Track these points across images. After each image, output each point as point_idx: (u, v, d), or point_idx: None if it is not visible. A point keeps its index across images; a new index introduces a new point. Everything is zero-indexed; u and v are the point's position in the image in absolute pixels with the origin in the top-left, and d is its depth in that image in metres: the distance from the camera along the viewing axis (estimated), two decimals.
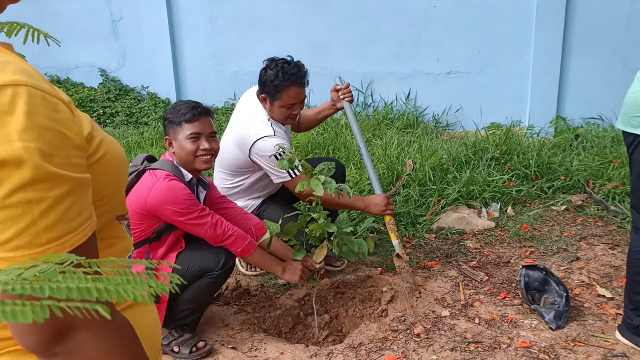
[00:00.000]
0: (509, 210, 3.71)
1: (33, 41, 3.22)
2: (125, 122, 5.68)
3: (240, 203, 2.98)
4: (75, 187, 0.66)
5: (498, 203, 3.77)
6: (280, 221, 2.58)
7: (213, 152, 2.45)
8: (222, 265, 2.39)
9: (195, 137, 2.40)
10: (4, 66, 0.63)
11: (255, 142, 2.74)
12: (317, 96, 5.67)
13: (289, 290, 2.97)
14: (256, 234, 2.67)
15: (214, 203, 2.65)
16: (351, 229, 2.53)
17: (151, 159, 2.54)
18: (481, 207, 3.73)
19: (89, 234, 0.69)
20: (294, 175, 2.81)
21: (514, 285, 2.87)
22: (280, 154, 2.73)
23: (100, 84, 6.39)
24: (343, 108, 3.07)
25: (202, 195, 2.54)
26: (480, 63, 5.40)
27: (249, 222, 2.69)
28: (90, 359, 0.69)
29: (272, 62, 2.77)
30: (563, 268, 3.02)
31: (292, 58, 2.82)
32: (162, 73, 6.13)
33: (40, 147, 0.61)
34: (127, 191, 2.35)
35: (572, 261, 3.08)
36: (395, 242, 2.82)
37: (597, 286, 2.81)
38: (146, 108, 5.92)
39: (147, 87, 6.28)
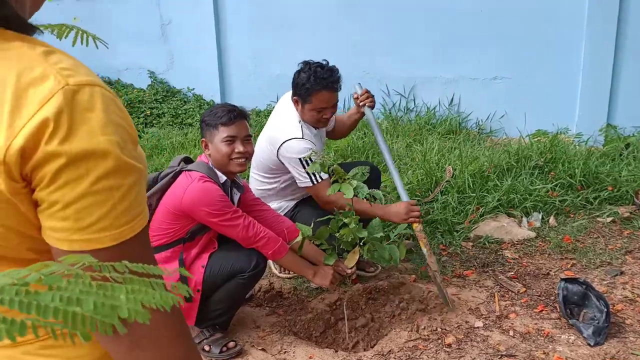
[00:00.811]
0: (552, 220, 3.60)
1: (82, 44, 3.33)
2: (171, 123, 5.81)
3: (274, 205, 3.00)
4: (140, 176, 0.74)
5: (540, 213, 3.67)
6: (312, 224, 2.59)
7: (247, 155, 2.48)
8: (254, 267, 2.41)
9: (231, 140, 2.44)
10: (77, 68, 0.69)
11: (283, 143, 2.78)
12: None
13: (321, 294, 2.97)
14: (288, 236, 2.68)
15: (248, 205, 2.68)
16: (382, 234, 2.51)
17: (188, 160, 2.59)
18: (522, 217, 3.63)
19: (148, 217, 0.77)
20: (316, 181, 2.81)
21: (552, 298, 2.79)
22: (307, 160, 2.75)
23: (149, 85, 6.56)
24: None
25: (236, 197, 2.58)
26: (527, 68, 5.26)
27: (282, 225, 2.71)
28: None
29: (306, 65, 2.79)
30: (606, 282, 2.91)
31: (327, 62, 2.83)
32: (208, 75, 6.25)
33: (118, 140, 0.68)
34: (163, 192, 2.41)
35: (616, 275, 2.97)
36: (424, 250, 2.76)
37: None
38: (191, 109, 6.04)
39: (193, 89, 6.41)
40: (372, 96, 3.06)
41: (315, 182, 2.81)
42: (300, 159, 2.77)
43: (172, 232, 2.40)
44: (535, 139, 4.80)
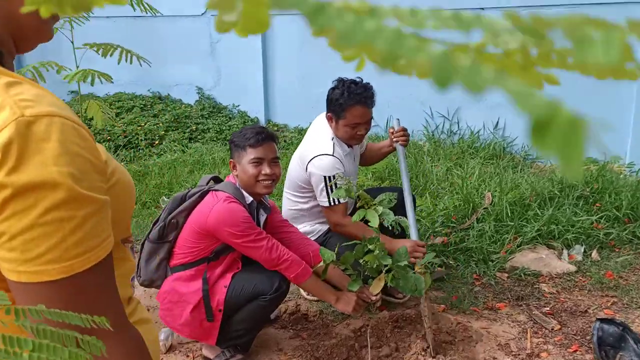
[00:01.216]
0: (594, 254, 3.44)
1: (126, 62, 3.43)
2: (215, 139, 5.91)
3: (307, 227, 2.99)
4: (99, 207, 0.72)
5: (582, 246, 3.51)
6: (336, 249, 2.56)
7: (274, 177, 2.49)
8: (275, 289, 2.40)
9: (258, 161, 2.45)
10: (40, 99, 0.69)
11: (313, 157, 2.79)
12: (403, 121, 5.61)
13: (346, 319, 2.93)
14: (314, 260, 2.66)
15: (275, 227, 2.69)
16: (407, 262, 2.45)
17: (217, 179, 2.62)
18: (562, 249, 3.49)
19: (109, 250, 0.76)
20: (333, 203, 2.81)
21: (588, 338, 2.65)
22: (331, 178, 2.74)
23: (197, 101, 6.72)
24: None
25: (262, 219, 2.58)
26: (577, 91, 5.06)
27: (308, 248, 2.69)
28: None
29: (340, 82, 2.81)
30: None
31: (362, 79, 2.83)
32: (253, 93, 6.35)
33: (72, 172, 0.67)
34: (190, 210, 2.44)
35: None
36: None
37: None
38: (235, 126, 6.14)
39: (238, 105, 6.52)
40: (408, 135, 3.03)
41: (331, 204, 2.82)
42: (325, 176, 2.76)
43: (197, 250, 2.42)
44: (585, 167, 4.62)
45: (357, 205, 2.50)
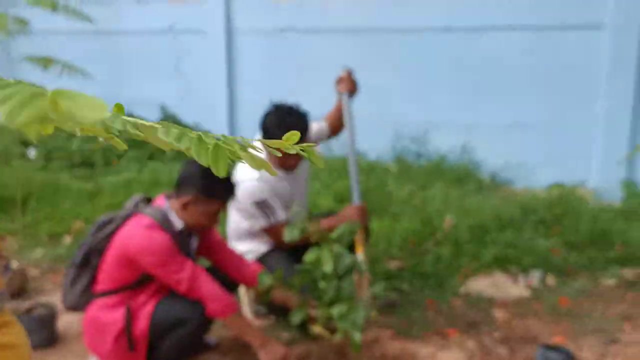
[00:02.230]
0: (550, 280, 3.37)
1: (68, 74, 3.32)
2: (176, 158, 5.78)
3: (245, 246, 2.89)
4: None
5: (539, 271, 3.44)
6: (278, 269, 2.47)
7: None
8: (200, 316, 2.28)
9: (216, 216, 2.39)
10: None
11: (240, 183, 2.70)
12: (368, 141, 5.56)
13: (290, 345, 2.81)
14: (253, 281, 2.56)
15: (211, 248, 2.59)
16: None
17: (147, 200, 2.51)
18: (519, 274, 3.41)
19: None
20: (272, 223, 2.76)
21: None
22: (260, 203, 2.66)
23: (160, 119, 6.59)
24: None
25: (194, 244, 2.48)
26: (544, 116, 5.07)
27: (248, 269, 2.60)
28: None
29: (275, 110, 2.73)
30: (596, 350, 2.67)
31: (298, 107, 2.76)
32: (218, 111, 6.26)
33: None
34: (113, 234, 2.33)
35: (609, 343, 2.72)
36: (360, 256, 2.62)
37: None
38: None
39: (202, 123, 6.42)
40: (354, 81, 2.91)
41: (272, 224, 2.76)
42: (255, 202, 2.72)
43: (120, 278, 2.32)
44: (550, 192, 4.59)
45: (313, 239, 2.38)
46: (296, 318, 2.50)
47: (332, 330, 2.83)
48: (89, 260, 2.38)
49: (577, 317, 2.99)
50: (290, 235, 2.34)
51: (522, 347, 2.74)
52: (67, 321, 3.13)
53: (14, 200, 3.18)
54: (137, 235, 2.24)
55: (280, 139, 2.42)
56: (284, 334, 2.93)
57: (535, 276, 3.40)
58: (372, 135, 5.63)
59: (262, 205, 2.72)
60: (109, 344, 2.30)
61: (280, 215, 2.77)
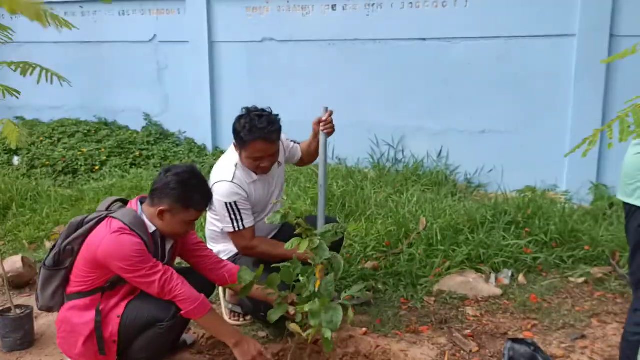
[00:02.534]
0: (521, 278, 3.46)
1: (47, 81, 3.37)
2: (159, 165, 5.83)
3: (219, 247, 2.94)
4: None
5: (510, 270, 3.53)
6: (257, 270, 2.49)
7: None
8: (172, 317, 2.31)
9: (192, 222, 2.43)
10: None
11: (213, 184, 2.76)
12: (347, 148, 5.65)
13: (266, 343, 2.86)
14: (230, 280, 2.59)
15: (187, 250, 2.62)
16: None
17: (123, 202, 2.53)
18: (490, 273, 3.50)
19: None
20: (238, 229, 2.79)
21: (503, 359, 2.63)
22: (232, 204, 2.71)
23: (144, 127, 6.65)
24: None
25: (168, 246, 2.49)
26: (515, 122, 5.20)
27: (223, 269, 2.62)
28: None
29: (246, 113, 2.78)
30: (564, 346, 2.75)
31: (271, 111, 2.81)
32: (201, 120, 6.33)
33: None
34: (85, 237, 2.35)
35: (577, 339, 2.80)
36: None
37: None
38: (181, 152, 6.08)
39: (185, 132, 6.48)
40: (334, 125, 2.94)
41: (236, 230, 2.79)
42: (225, 202, 2.74)
43: (91, 280, 2.33)
44: (522, 195, 4.69)
45: (296, 232, 2.37)
46: (274, 316, 2.52)
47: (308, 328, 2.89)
48: (60, 262, 2.39)
49: (546, 313, 3.07)
50: (272, 219, 2.31)
51: (491, 342, 2.82)
52: (43, 323, 3.16)
53: None
54: (107, 240, 2.24)
55: (251, 141, 2.46)
56: (260, 333, 2.99)
57: (506, 275, 3.49)
58: (351, 142, 5.72)
59: (231, 207, 2.75)
60: (79, 346, 2.32)
61: (248, 221, 2.80)
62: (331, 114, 2.92)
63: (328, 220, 3.00)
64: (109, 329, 2.31)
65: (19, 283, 3.57)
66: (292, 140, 3.17)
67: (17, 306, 2.97)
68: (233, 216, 2.76)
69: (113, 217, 2.33)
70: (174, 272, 2.33)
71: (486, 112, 5.28)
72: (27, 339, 2.93)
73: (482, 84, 5.25)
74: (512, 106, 5.18)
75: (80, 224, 2.39)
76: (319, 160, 2.93)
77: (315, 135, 2.99)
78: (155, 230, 2.39)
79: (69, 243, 2.37)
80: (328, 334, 2.28)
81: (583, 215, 4.24)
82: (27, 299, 3.42)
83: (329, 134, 2.92)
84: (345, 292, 2.50)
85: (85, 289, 2.34)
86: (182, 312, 2.31)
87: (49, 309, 2.48)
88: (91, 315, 2.31)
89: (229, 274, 2.60)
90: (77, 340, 2.32)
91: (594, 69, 4.80)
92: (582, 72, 4.86)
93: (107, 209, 2.45)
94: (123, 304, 2.34)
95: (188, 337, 2.81)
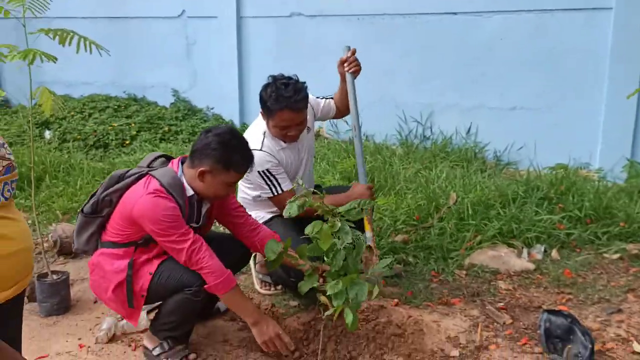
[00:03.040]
0: (554, 253, 3.41)
1: (86, 51, 3.37)
2: (187, 140, 5.87)
3: (252, 214, 2.94)
4: None
5: (543, 245, 3.48)
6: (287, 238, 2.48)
7: None
8: (201, 283, 2.30)
9: (233, 185, 2.44)
10: None
11: None
12: (374, 124, 5.61)
13: (297, 313, 2.88)
14: (262, 250, 2.54)
15: (226, 214, 2.60)
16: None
17: (167, 158, 2.51)
18: (522, 248, 3.46)
19: None
20: (276, 193, 2.79)
21: (539, 332, 2.60)
22: (266, 172, 2.71)
23: (172, 103, 6.68)
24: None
25: (204, 209, 2.47)
26: (548, 99, 5.10)
27: (258, 236, 2.60)
28: None
29: (272, 81, 2.75)
30: (600, 319, 2.71)
31: (296, 79, 2.78)
32: (228, 96, 6.33)
33: None
34: (124, 191, 2.36)
35: (612, 313, 2.76)
36: (368, 234, 2.67)
37: (635, 342, 2.49)
38: None
39: (212, 108, 6.49)
40: (359, 62, 2.90)
41: (275, 194, 2.80)
42: (258, 171, 2.73)
43: (126, 234, 2.35)
44: (553, 173, 4.61)
45: (316, 213, 2.29)
46: (304, 287, 2.52)
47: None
48: (98, 211, 2.41)
49: (581, 288, 3.03)
50: (288, 211, 2.23)
51: (525, 314, 2.79)
52: (79, 289, 3.23)
53: (29, 178, 3.26)
54: (142, 200, 2.24)
55: (277, 110, 2.43)
56: (291, 302, 3.01)
57: (538, 250, 3.45)
58: (378, 119, 5.68)
59: (265, 175, 2.75)
60: (109, 292, 2.35)
61: (285, 184, 2.80)
62: (354, 52, 2.88)
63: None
64: (139, 283, 2.33)
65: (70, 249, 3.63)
66: (323, 97, 3.12)
67: (53, 272, 3.03)
68: (269, 182, 2.76)
69: (152, 176, 2.32)
70: (204, 243, 2.31)
71: (518, 89, 5.19)
72: (64, 304, 2.99)
73: (514, 60, 5.14)
74: (545, 83, 5.08)
75: (121, 177, 2.40)
76: (350, 102, 2.88)
77: (343, 78, 2.95)
78: (192, 194, 2.38)
79: (108, 194, 2.38)
80: (350, 317, 2.25)
81: (617, 192, 4.15)
82: (70, 266, 3.49)
83: (356, 73, 2.89)
84: (373, 269, 2.47)
85: (120, 241, 2.36)
86: (206, 286, 2.29)
87: (84, 252, 2.56)
88: (123, 265, 2.33)
89: (260, 244, 2.58)
90: (108, 287, 2.35)
91: (631, 43, 4.67)
92: (618, 47, 4.73)
93: (149, 165, 2.44)
94: (156, 262, 2.36)
95: (222, 304, 2.83)
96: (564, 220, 3.64)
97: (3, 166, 1.06)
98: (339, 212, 2.29)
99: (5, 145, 1.11)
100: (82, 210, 2.46)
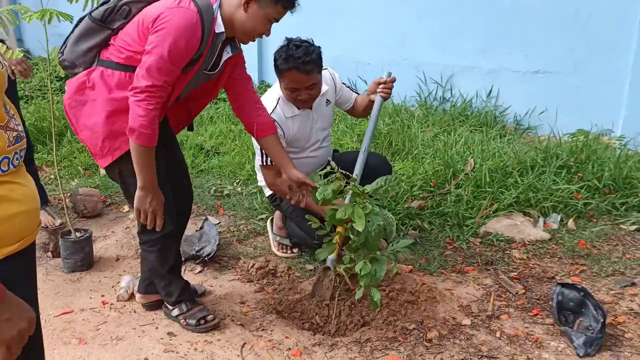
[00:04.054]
0: (570, 223, 3.41)
1: (92, 6, 3.33)
2: None
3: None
4: None
5: (559, 214, 3.48)
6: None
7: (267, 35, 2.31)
8: (159, 238, 2.34)
9: (271, 25, 2.26)
10: None
11: None
12: (396, 86, 5.50)
13: (312, 276, 2.94)
14: (257, 133, 2.50)
15: (235, 78, 2.47)
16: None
17: None
18: (539, 217, 3.46)
19: None
20: (265, 163, 2.81)
21: (551, 303, 2.64)
22: None
23: None
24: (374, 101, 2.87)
25: (225, 56, 2.29)
26: (572, 63, 4.98)
27: (257, 117, 2.49)
28: None
29: (286, 42, 2.73)
30: (613, 292, 2.73)
31: (311, 42, 2.75)
32: (247, 53, 6.17)
33: None
34: (148, 3, 2.18)
35: (626, 286, 2.78)
36: (332, 257, 2.63)
37: None
38: None
39: None
40: (391, 90, 2.87)
41: (264, 163, 2.82)
42: None
43: (129, 48, 2.13)
44: (573, 139, 4.55)
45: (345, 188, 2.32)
46: (321, 255, 2.57)
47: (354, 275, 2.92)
48: (109, 20, 2.18)
49: (596, 259, 3.04)
50: (322, 193, 2.23)
51: (538, 285, 2.82)
52: (101, 246, 3.31)
53: (51, 134, 3.31)
54: (173, 9, 2.04)
55: (285, 70, 2.41)
56: (307, 266, 3.07)
57: (554, 219, 3.45)
58: (398, 79, 5.52)
59: None
60: (93, 119, 2.17)
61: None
62: (394, 80, 2.85)
63: (374, 157, 2.99)
64: (119, 123, 2.14)
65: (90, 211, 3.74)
66: (350, 88, 3.11)
67: (76, 230, 3.10)
68: (263, 150, 2.76)
69: None
70: (164, 97, 2.09)
71: (542, 52, 5.06)
72: (87, 261, 3.08)
73: (539, 22, 5.00)
74: (570, 46, 4.94)
75: None
76: (370, 124, 2.84)
77: (370, 93, 2.91)
78: (221, 32, 2.17)
79: (127, 3, 2.17)
80: (377, 295, 2.30)
81: (638, 161, 4.10)
82: (92, 223, 3.57)
83: (385, 99, 2.86)
84: (393, 246, 2.50)
85: (123, 62, 2.14)
86: (127, 126, 2.08)
87: (72, 67, 2.26)
88: (123, 94, 2.12)
89: (258, 126, 2.48)
90: (92, 112, 2.18)
91: None
92: None
93: None
94: (155, 111, 2.10)
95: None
96: (582, 190, 3.62)
97: (13, 137, 1.14)
98: (368, 192, 2.30)
99: (15, 117, 1.18)
100: (90, 13, 2.19)
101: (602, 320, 2.32)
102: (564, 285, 2.51)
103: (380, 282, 2.39)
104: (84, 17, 2.23)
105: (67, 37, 2.26)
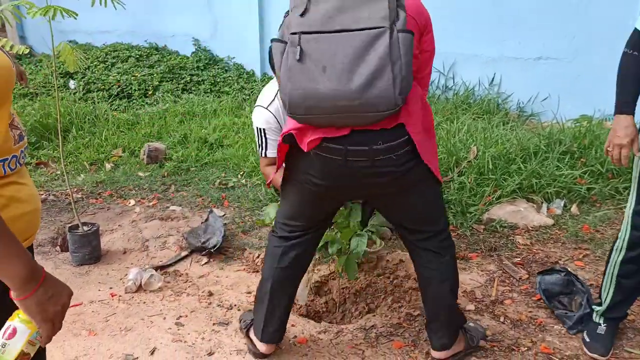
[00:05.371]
0: (574, 208, 3.42)
1: (100, 4, 3.37)
2: (209, 91, 5.89)
3: None
4: None
5: (563, 200, 3.49)
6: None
7: None
8: None
9: None
10: None
11: (254, 106, 2.80)
12: None
13: (317, 266, 2.96)
14: None
15: None
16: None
17: None
18: (542, 203, 3.47)
19: None
20: (262, 155, 2.80)
21: (540, 295, 2.66)
22: (261, 130, 2.74)
23: (193, 52, 6.67)
24: None
25: None
26: (574, 50, 4.97)
27: None
28: None
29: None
30: None
31: None
32: (249, 45, 6.29)
33: None
34: None
35: None
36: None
37: None
38: (230, 78, 6.10)
39: (234, 57, 6.47)
40: None
41: (260, 155, 2.83)
42: (256, 127, 2.77)
43: None
44: (577, 125, 4.55)
45: None
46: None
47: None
48: None
49: (599, 244, 3.06)
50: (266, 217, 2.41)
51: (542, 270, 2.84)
52: (109, 240, 3.35)
53: (56, 129, 3.34)
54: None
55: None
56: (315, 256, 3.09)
57: (558, 205, 3.46)
58: None
59: (260, 133, 2.76)
60: None
61: (270, 152, 2.79)
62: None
63: None
64: None
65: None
66: None
67: (83, 224, 3.14)
68: (260, 141, 2.77)
69: None
70: None
71: (543, 38, 5.05)
72: (95, 254, 3.12)
73: (540, 8, 4.99)
74: (571, 32, 4.93)
75: None
76: None
77: None
78: None
79: None
80: (349, 266, 2.36)
81: None
82: (99, 216, 3.61)
83: None
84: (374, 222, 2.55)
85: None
86: None
87: None
88: None
89: None
90: None
91: None
92: None
93: None
94: None
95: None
96: (585, 175, 3.63)
97: (17, 135, 1.17)
98: None
99: (15, 115, 1.21)
100: None
101: (586, 295, 2.40)
102: (543, 272, 2.56)
103: (360, 257, 2.45)
104: None
105: None
